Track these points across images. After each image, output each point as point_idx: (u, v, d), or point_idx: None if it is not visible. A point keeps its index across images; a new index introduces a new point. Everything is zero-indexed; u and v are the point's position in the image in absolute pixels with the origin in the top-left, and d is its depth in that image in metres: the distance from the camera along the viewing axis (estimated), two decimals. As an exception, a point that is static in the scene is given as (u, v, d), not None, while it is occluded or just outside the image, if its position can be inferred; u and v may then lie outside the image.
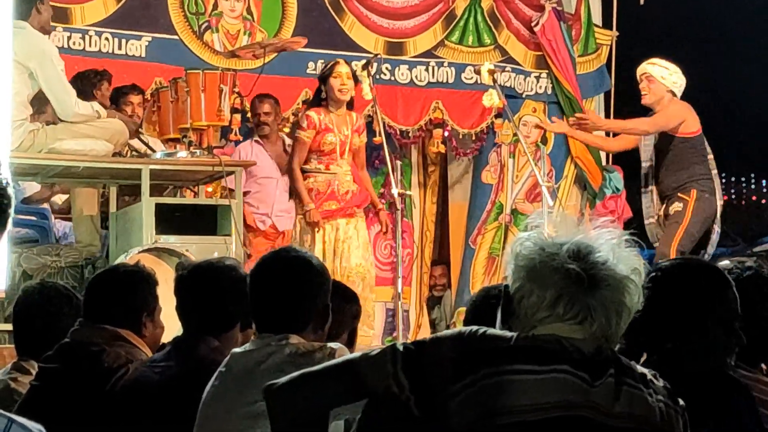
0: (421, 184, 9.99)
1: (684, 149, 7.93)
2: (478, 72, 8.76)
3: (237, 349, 3.38)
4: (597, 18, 10.28)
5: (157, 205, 6.97)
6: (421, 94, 9.42)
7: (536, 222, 2.52)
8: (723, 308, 2.90)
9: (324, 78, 7.62)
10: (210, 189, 7.90)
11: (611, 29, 10.25)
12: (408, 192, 7.73)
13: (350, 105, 7.69)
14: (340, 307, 3.88)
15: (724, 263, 3.35)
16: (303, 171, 7.59)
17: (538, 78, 9.85)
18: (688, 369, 2.81)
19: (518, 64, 9.77)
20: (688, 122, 7.93)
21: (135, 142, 7.67)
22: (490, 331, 2.45)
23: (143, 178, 6.99)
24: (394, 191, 7.42)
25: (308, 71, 8.77)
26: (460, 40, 9.57)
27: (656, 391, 2.45)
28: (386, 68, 9.17)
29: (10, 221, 2.31)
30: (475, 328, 2.45)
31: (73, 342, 4.00)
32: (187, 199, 7.82)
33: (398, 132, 9.36)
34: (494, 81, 8.09)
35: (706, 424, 2.69)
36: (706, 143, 8.03)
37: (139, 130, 7.88)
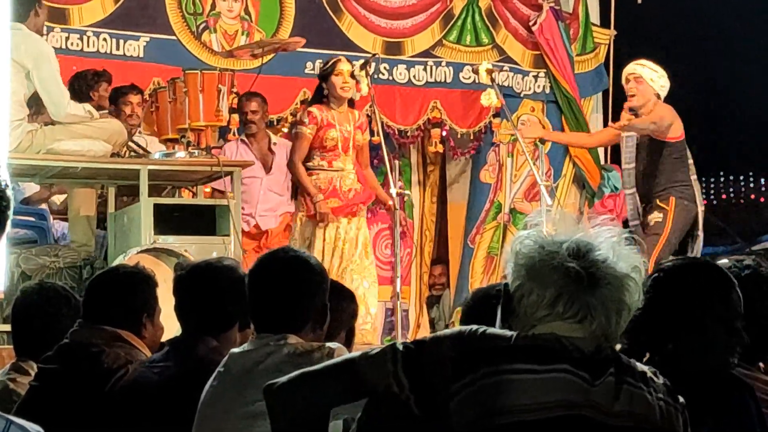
0: (420, 184, 10.00)
1: (666, 154, 7.90)
2: (476, 71, 8.77)
3: (235, 349, 3.37)
4: (595, 17, 10.29)
5: (156, 206, 6.96)
6: (419, 94, 9.43)
7: (536, 220, 2.52)
8: (725, 308, 2.90)
9: (325, 76, 7.59)
10: (207, 189, 7.90)
11: (609, 28, 10.26)
12: (406, 191, 7.72)
13: (351, 103, 7.69)
14: (338, 306, 3.88)
15: (723, 262, 3.34)
16: (305, 168, 7.56)
17: (536, 77, 9.86)
18: (689, 368, 2.81)
19: (516, 63, 9.77)
20: (675, 126, 7.92)
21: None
22: (490, 330, 2.45)
23: (141, 179, 6.99)
24: (393, 191, 7.41)
25: (306, 71, 8.78)
26: (458, 39, 9.57)
27: (656, 389, 2.45)
28: (384, 68, 9.17)
29: (9, 223, 2.30)
30: (475, 327, 2.45)
31: (72, 343, 4.00)
32: (186, 199, 7.82)
33: (397, 132, 9.37)
34: (492, 80, 8.09)
35: (706, 422, 2.69)
36: (687, 149, 8.01)
37: (136, 131, 7.88)
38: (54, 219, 8.15)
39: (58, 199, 8.43)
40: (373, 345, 7.48)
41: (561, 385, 2.36)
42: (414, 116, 9.42)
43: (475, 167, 9.89)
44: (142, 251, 6.64)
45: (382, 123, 8.37)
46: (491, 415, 2.34)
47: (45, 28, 7.82)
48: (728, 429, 2.79)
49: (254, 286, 3.38)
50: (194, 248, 6.77)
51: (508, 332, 2.44)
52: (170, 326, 4.06)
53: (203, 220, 7.09)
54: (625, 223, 7.85)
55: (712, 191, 21.07)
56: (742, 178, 20.47)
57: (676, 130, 7.90)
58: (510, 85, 9.68)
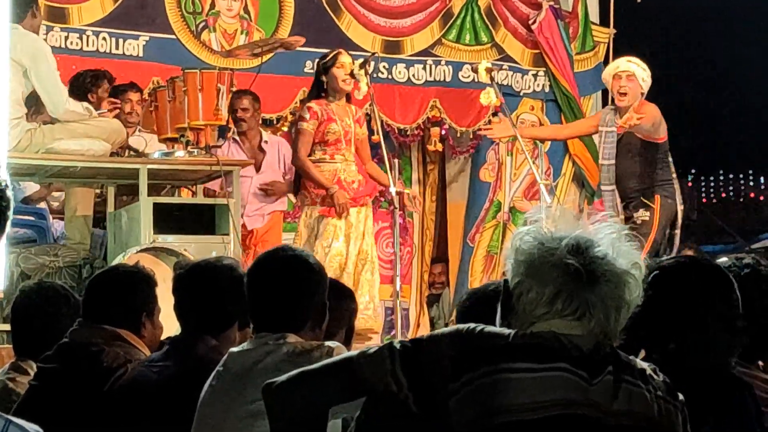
0: (420, 182, 10.00)
1: (652, 153, 7.90)
2: (475, 70, 8.77)
3: (234, 349, 3.38)
4: (594, 16, 10.29)
5: (155, 205, 6.96)
6: (419, 93, 9.43)
7: (536, 217, 2.51)
8: (725, 307, 2.90)
9: (326, 68, 7.56)
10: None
11: (608, 27, 10.25)
12: (406, 190, 7.71)
13: (348, 97, 7.68)
14: (337, 304, 3.88)
15: (722, 260, 3.34)
16: (311, 162, 7.53)
17: (535, 76, 9.86)
18: (690, 367, 2.81)
19: (515, 62, 9.77)
20: (663, 126, 7.93)
21: (132, 140, 7.68)
22: (488, 328, 2.44)
23: (141, 178, 6.99)
24: (392, 189, 7.40)
25: (306, 70, 8.77)
26: (458, 38, 9.57)
27: (655, 387, 2.45)
28: (383, 67, 9.17)
29: (8, 223, 2.31)
30: (473, 325, 2.44)
31: (72, 342, 4.00)
32: (185, 198, 7.82)
33: (396, 130, 9.37)
34: (492, 79, 8.09)
35: (707, 421, 2.69)
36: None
37: (135, 129, 7.88)
38: (53, 218, 8.14)
39: (57, 198, 8.43)
40: (375, 330, 7.49)
41: (559, 383, 2.36)
42: (413, 115, 9.42)
43: (474, 166, 9.89)
44: (141, 250, 6.64)
45: (382, 122, 8.36)
46: (490, 414, 2.34)
47: (44, 28, 7.83)
48: (729, 428, 2.79)
49: (253, 285, 3.38)
50: (193, 247, 6.77)
51: (506, 330, 2.44)
52: (170, 325, 4.06)
53: (202, 220, 7.09)
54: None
55: (712, 189, 21.08)
56: (741, 176, 20.50)
57: (664, 130, 7.93)
58: (509, 84, 9.67)
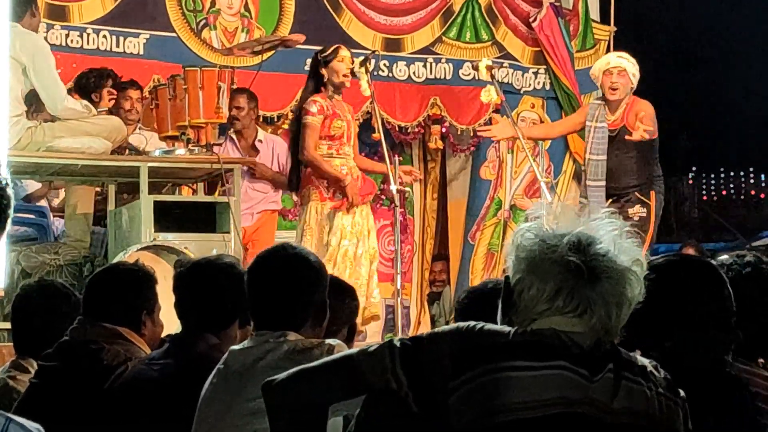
0: (421, 180, 10.00)
1: (645, 150, 7.89)
2: (476, 68, 8.76)
3: (235, 347, 3.38)
4: (595, 13, 10.28)
5: (156, 203, 6.97)
6: (419, 91, 9.42)
7: (537, 213, 2.50)
8: (718, 305, 2.89)
9: (326, 62, 7.51)
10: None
11: (609, 25, 10.25)
12: (407, 188, 7.69)
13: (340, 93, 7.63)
14: (340, 303, 3.88)
15: (723, 258, 3.34)
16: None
17: (536, 74, 9.86)
18: (687, 365, 2.81)
19: (516, 59, 9.77)
20: (656, 123, 7.93)
21: (132, 138, 7.69)
22: (488, 326, 2.44)
23: (141, 176, 6.99)
24: (393, 187, 7.37)
25: (306, 68, 8.75)
26: (458, 36, 9.57)
27: (656, 384, 2.44)
28: (384, 65, 9.17)
29: (9, 221, 2.30)
30: (473, 323, 2.44)
31: (72, 340, 4.00)
32: (186, 196, 7.82)
33: (397, 128, 9.37)
34: (492, 77, 8.08)
35: (706, 420, 2.69)
36: None
37: (135, 127, 7.88)
38: (54, 216, 8.15)
39: (57, 196, 8.43)
40: (377, 315, 7.47)
41: (559, 382, 2.35)
42: (414, 113, 9.42)
43: (475, 164, 9.89)
44: (142, 248, 6.64)
45: (382, 120, 8.35)
46: (490, 412, 2.33)
47: (45, 26, 7.84)
48: (729, 428, 2.79)
49: (254, 283, 3.38)
50: (194, 245, 6.77)
51: (506, 328, 2.44)
52: (170, 323, 4.06)
53: (203, 217, 7.09)
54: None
55: (713, 187, 21.07)
56: (742, 174, 20.48)
57: (656, 127, 7.94)
58: (510, 82, 9.67)
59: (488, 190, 9.84)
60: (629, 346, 2.57)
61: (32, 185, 8.16)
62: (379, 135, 7.72)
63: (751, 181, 20.56)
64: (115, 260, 6.40)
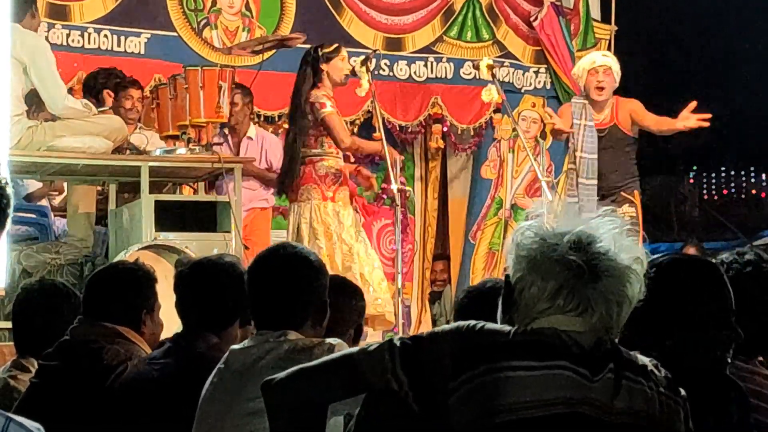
0: (422, 179, 10.00)
1: (630, 149, 7.90)
2: (476, 67, 8.75)
3: (235, 346, 3.38)
4: (596, 12, 10.28)
5: (157, 202, 6.97)
6: (420, 90, 9.43)
7: (537, 212, 2.50)
8: (718, 305, 2.89)
9: (328, 59, 7.48)
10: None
11: (610, 24, 10.25)
12: (407, 187, 7.68)
13: None
14: (347, 303, 3.89)
15: (724, 256, 3.34)
16: (315, 155, 7.41)
17: (537, 73, 9.86)
18: (687, 365, 2.81)
19: (517, 59, 9.77)
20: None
21: (133, 137, 7.68)
22: (488, 325, 2.44)
23: (142, 175, 6.99)
24: (394, 187, 7.36)
25: (306, 65, 8.76)
26: (459, 35, 9.57)
27: (657, 383, 2.44)
28: (385, 64, 9.17)
29: (9, 220, 2.31)
30: (473, 322, 2.44)
31: (72, 339, 4.00)
32: (187, 196, 7.82)
33: (398, 127, 9.37)
34: (493, 76, 8.08)
35: (706, 420, 2.69)
36: None
37: (136, 126, 7.88)
38: (55, 216, 8.15)
39: (58, 195, 8.44)
40: (388, 311, 7.43)
41: (560, 382, 2.35)
42: (415, 112, 9.42)
43: (476, 163, 9.89)
44: (143, 248, 6.64)
45: (383, 119, 8.35)
46: (490, 413, 2.33)
47: (46, 25, 7.85)
48: (729, 428, 2.79)
49: (254, 282, 3.38)
50: (195, 245, 6.77)
51: (506, 327, 2.43)
52: (171, 322, 4.06)
53: (204, 217, 7.09)
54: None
55: (714, 186, 21.05)
56: (743, 173, 20.46)
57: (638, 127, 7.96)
58: (511, 81, 9.68)
59: (489, 190, 9.84)
60: (630, 345, 2.57)
61: (33, 185, 8.16)
62: (380, 134, 7.72)
63: (752, 180, 20.54)
64: (116, 260, 6.39)
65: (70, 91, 7.74)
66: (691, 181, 20.86)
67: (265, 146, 8.44)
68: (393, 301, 7.40)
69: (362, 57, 7.70)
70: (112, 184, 7.49)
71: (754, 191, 20.55)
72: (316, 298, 3.39)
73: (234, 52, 8.38)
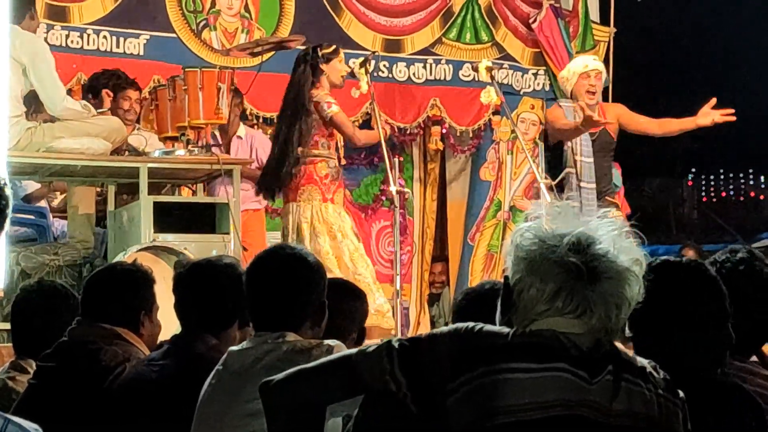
0: (421, 181, 10.00)
1: (612, 153, 7.91)
2: (475, 69, 8.75)
3: (234, 347, 3.38)
4: (595, 14, 10.29)
5: (156, 204, 6.96)
6: (419, 92, 9.43)
7: (536, 213, 2.50)
8: (717, 305, 2.90)
9: (328, 59, 7.46)
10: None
11: (609, 26, 10.25)
12: (406, 189, 7.66)
13: None
14: (350, 306, 3.89)
15: (716, 255, 3.36)
16: (316, 155, 7.35)
17: (535, 75, 9.86)
18: (686, 365, 2.81)
19: (516, 61, 9.77)
20: None
21: (132, 139, 7.68)
22: (487, 327, 2.44)
23: (141, 177, 6.99)
24: (392, 188, 7.34)
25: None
26: (458, 37, 9.57)
27: (655, 385, 2.44)
28: (384, 66, 9.17)
29: (8, 221, 2.31)
30: (471, 324, 2.44)
31: (70, 340, 4.00)
32: (185, 197, 7.82)
33: (396, 129, 9.37)
34: (492, 78, 8.07)
35: (706, 421, 2.69)
36: None
37: (133, 127, 7.88)
38: (54, 217, 8.15)
39: (56, 196, 8.44)
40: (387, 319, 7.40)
41: (558, 384, 2.35)
42: (414, 114, 9.43)
43: (474, 165, 9.89)
44: (141, 249, 6.64)
45: (382, 120, 8.33)
46: (489, 414, 2.33)
47: (45, 26, 7.85)
48: (729, 428, 2.79)
49: (252, 283, 3.38)
50: (194, 246, 6.77)
51: (504, 329, 2.43)
52: (169, 324, 4.06)
53: (203, 218, 7.09)
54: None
55: (712, 188, 21.07)
56: (742, 175, 20.50)
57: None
58: (510, 83, 9.68)
59: (488, 191, 9.84)
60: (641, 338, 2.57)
61: (32, 186, 8.16)
62: (379, 136, 7.70)
63: (751, 182, 20.57)
64: (115, 261, 6.39)
65: (70, 92, 7.74)
66: (690, 183, 20.89)
67: (255, 145, 8.42)
68: (391, 302, 7.38)
69: (361, 58, 7.70)
70: (111, 186, 7.49)
71: (752, 193, 20.58)
72: (315, 299, 3.39)
73: (232, 54, 8.39)
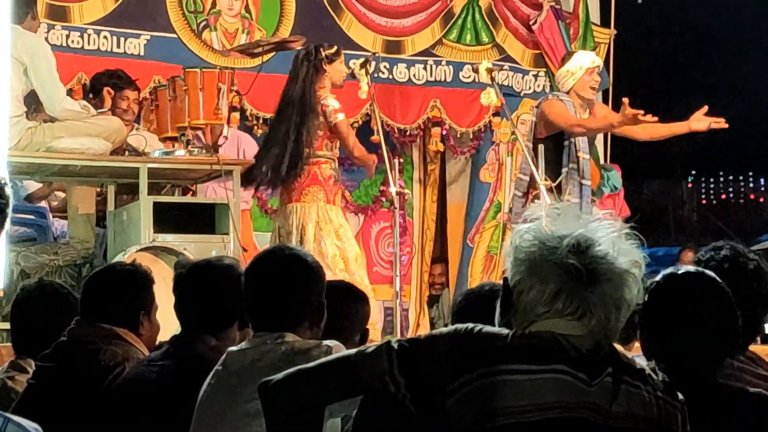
0: (421, 182, 10.01)
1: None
2: (476, 70, 8.75)
3: (233, 348, 3.38)
4: (595, 16, 10.30)
5: (155, 204, 6.96)
6: (419, 93, 9.43)
7: (536, 214, 2.49)
8: (718, 305, 2.90)
9: (331, 60, 7.45)
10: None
11: (609, 27, 10.26)
12: (406, 190, 7.65)
13: None
14: (353, 308, 3.89)
15: (700, 253, 3.37)
16: (320, 156, 7.33)
17: (536, 76, 9.87)
18: (687, 366, 2.82)
19: (516, 62, 9.77)
20: None
21: (132, 139, 7.69)
22: (486, 328, 2.44)
23: (141, 177, 6.99)
24: (392, 189, 7.34)
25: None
26: (458, 38, 9.58)
27: (654, 387, 2.44)
28: (384, 67, 9.18)
29: (8, 221, 2.31)
30: (471, 325, 2.44)
31: (70, 340, 4.00)
32: (185, 197, 7.82)
33: (396, 130, 9.37)
34: (492, 79, 8.07)
35: (705, 422, 2.69)
36: None
37: (131, 127, 7.88)
38: (54, 217, 8.15)
39: (58, 196, 8.44)
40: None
41: (558, 386, 2.35)
42: (414, 115, 9.43)
43: (474, 166, 9.90)
44: (141, 249, 6.64)
45: (382, 122, 8.34)
46: (488, 416, 2.33)
47: (45, 26, 7.85)
48: (729, 428, 2.79)
49: (251, 284, 3.38)
50: (193, 247, 6.77)
51: (504, 330, 2.43)
52: (169, 324, 4.06)
53: (202, 219, 7.09)
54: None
55: (712, 191, 21.07)
56: (741, 178, 20.50)
57: None
58: (510, 84, 9.68)
59: (488, 193, 9.84)
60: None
61: (32, 186, 8.16)
62: (378, 137, 7.71)
63: (751, 185, 20.58)
64: (114, 261, 6.39)
65: (70, 92, 7.75)
66: (690, 185, 20.89)
67: (242, 146, 8.42)
68: (392, 303, 7.39)
69: (361, 60, 7.70)
70: (111, 186, 7.49)
71: (752, 196, 20.58)
72: (314, 300, 3.39)
73: (232, 55, 8.39)
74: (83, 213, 7.51)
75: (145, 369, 3.71)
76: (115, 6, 8.31)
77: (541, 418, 2.33)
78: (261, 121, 8.82)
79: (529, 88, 9.85)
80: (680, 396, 2.50)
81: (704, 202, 20.86)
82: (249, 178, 7.43)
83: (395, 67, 9.35)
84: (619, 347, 2.49)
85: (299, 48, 7.87)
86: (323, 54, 7.41)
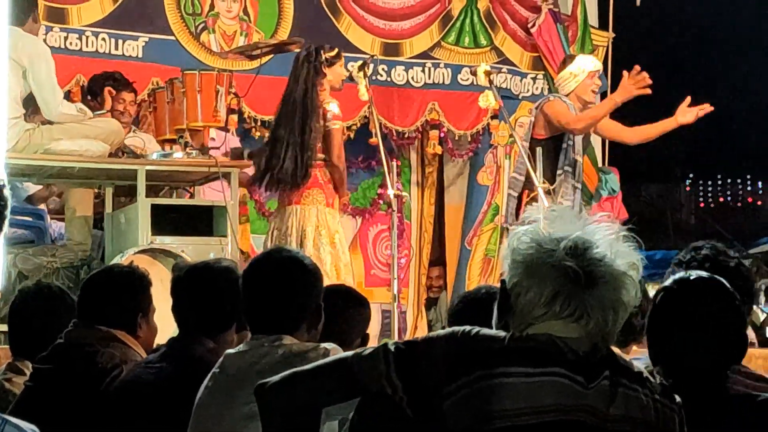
0: (419, 185, 10.00)
1: None
2: (474, 73, 8.75)
3: (231, 350, 3.38)
4: (593, 19, 10.29)
5: (153, 206, 6.96)
6: (418, 95, 9.43)
7: (533, 216, 2.49)
8: (719, 305, 2.91)
9: (331, 63, 7.43)
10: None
11: (607, 30, 10.26)
12: (404, 193, 7.65)
13: None
14: (354, 312, 3.89)
15: (680, 255, 3.38)
16: (320, 159, 7.31)
17: (534, 79, 9.86)
18: (687, 366, 2.82)
19: (514, 65, 9.77)
20: None
21: (130, 141, 7.68)
22: (484, 331, 2.43)
23: (139, 179, 6.99)
24: (390, 192, 7.33)
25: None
26: (457, 41, 9.58)
27: (652, 390, 2.44)
28: (382, 69, 9.17)
29: (6, 223, 2.30)
30: (468, 328, 2.44)
31: (67, 342, 4.00)
32: (183, 199, 7.82)
33: (394, 133, 9.37)
34: (490, 82, 8.06)
35: (705, 422, 2.69)
36: None
37: (128, 129, 7.87)
38: (51, 219, 8.15)
39: (55, 199, 8.43)
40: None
41: (555, 389, 2.35)
42: (412, 118, 9.43)
43: (472, 169, 9.89)
44: (139, 251, 6.64)
45: (380, 124, 8.33)
46: (485, 419, 2.33)
47: (44, 28, 7.84)
48: (728, 429, 2.79)
49: (248, 286, 3.38)
50: (191, 249, 6.77)
51: (501, 333, 2.43)
52: (167, 327, 4.06)
53: (200, 221, 7.09)
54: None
55: (710, 194, 21.08)
56: (739, 181, 20.51)
57: None
58: (508, 87, 9.68)
59: (486, 196, 9.84)
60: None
61: (33, 187, 8.16)
62: (376, 140, 7.70)
63: (749, 188, 20.59)
64: (112, 263, 6.39)
65: (69, 93, 7.74)
66: (688, 188, 20.90)
67: (229, 146, 8.40)
68: (390, 306, 7.38)
69: (360, 62, 7.70)
70: (109, 188, 7.49)
71: (750, 199, 20.59)
72: (311, 302, 3.39)
73: (230, 57, 8.39)
74: (81, 215, 7.51)
75: (142, 371, 3.71)
76: (114, 8, 8.31)
77: (537, 421, 2.33)
78: (259, 123, 8.81)
79: (528, 90, 9.85)
80: (678, 399, 2.49)
81: (702, 205, 20.87)
82: (269, 179, 7.35)
83: (393, 70, 9.34)
84: (616, 350, 2.49)
85: (298, 50, 7.87)
86: (324, 56, 7.40)
